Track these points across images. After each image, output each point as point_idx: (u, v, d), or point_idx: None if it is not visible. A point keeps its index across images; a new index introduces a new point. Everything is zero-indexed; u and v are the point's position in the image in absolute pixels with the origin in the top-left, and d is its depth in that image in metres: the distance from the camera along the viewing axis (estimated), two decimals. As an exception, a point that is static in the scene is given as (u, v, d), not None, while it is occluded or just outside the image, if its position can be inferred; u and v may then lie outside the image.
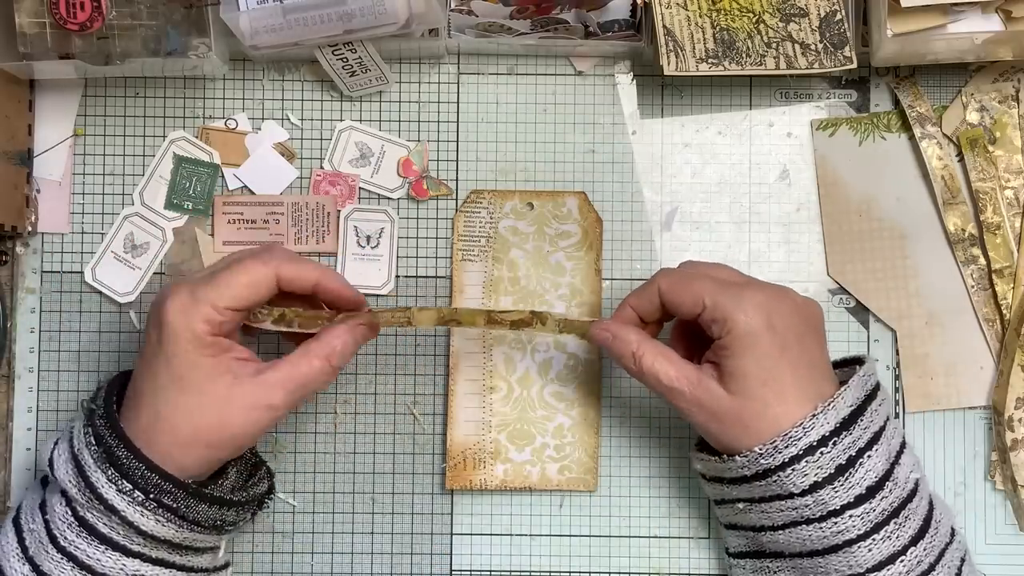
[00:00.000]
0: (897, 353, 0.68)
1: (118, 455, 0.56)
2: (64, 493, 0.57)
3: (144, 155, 0.69)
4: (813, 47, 0.64)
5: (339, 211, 0.68)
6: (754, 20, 0.64)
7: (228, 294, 0.56)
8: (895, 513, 0.57)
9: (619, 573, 0.68)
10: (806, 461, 0.56)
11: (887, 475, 0.57)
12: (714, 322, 0.58)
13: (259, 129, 0.69)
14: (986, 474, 0.68)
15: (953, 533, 0.60)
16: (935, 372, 0.68)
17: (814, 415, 0.56)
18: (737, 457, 0.58)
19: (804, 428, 0.56)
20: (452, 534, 0.68)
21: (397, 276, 0.69)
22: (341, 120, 0.69)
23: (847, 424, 0.57)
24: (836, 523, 0.56)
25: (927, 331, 0.68)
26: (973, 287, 0.68)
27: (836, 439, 0.56)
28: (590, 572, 0.68)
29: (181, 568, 0.59)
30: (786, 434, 0.56)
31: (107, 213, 0.69)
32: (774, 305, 0.58)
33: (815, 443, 0.56)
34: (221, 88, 0.69)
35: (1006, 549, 0.68)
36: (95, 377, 0.68)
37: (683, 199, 0.69)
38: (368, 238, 0.69)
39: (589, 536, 0.68)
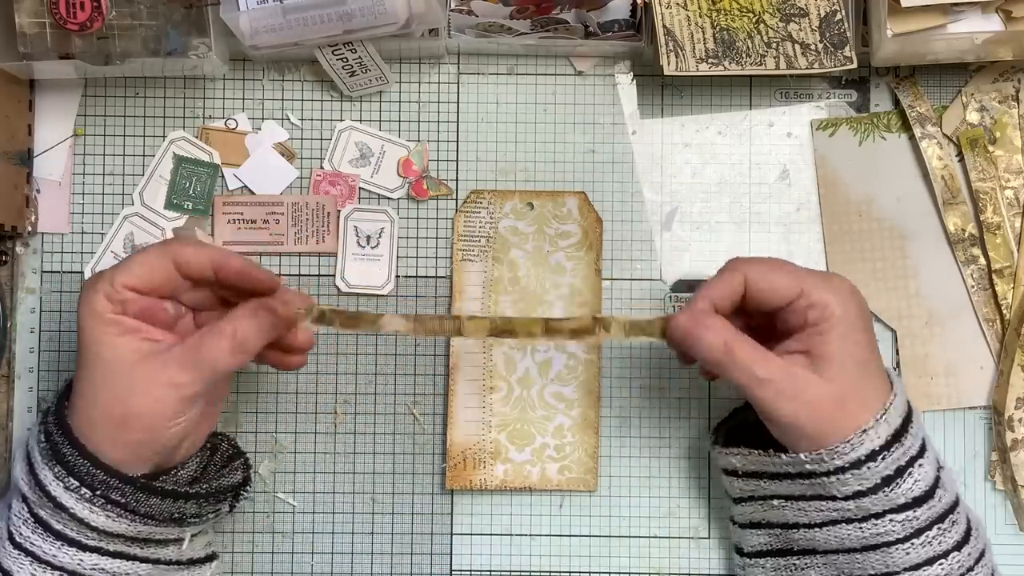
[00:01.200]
0: (897, 353, 0.68)
1: (64, 452, 0.56)
2: (20, 491, 0.57)
3: (144, 155, 0.69)
4: (813, 47, 0.64)
5: (339, 211, 0.68)
6: (754, 20, 0.64)
7: (124, 271, 0.56)
8: (940, 519, 0.57)
9: (619, 573, 0.68)
10: (851, 474, 0.56)
11: (936, 482, 0.57)
12: (811, 307, 0.57)
13: (259, 129, 0.69)
14: (986, 474, 0.68)
15: (987, 546, 0.60)
16: (935, 372, 0.68)
17: (864, 430, 0.56)
18: (783, 455, 0.58)
19: (852, 444, 0.55)
20: (452, 534, 0.68)
21: (397, 276, 0.69)
22: (341, 120, 0.69)
23: (899, 435, 0.56)
24: (877, 524, 0.56)
25: (927, 331, 0.68)
26: (973, 287, 0.68)
27: (886, 453, 0.56)
28: (590, 572, 0.68)
29: (144, 560, 0.58)
30: (832, 448, 0.55)
31: (107, 213, 0.69)
32: (858, 294, 0.58)
33: (863, 457, 0.56)
34: (221, 88, 0.69)
35: (1006, 549, 0.68)
36: (95, 377, 0.68)
37: (683, 199, 0.69)
38: (368, 238, 0.69)
39: (589, 536, 0.68)
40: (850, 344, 0.56)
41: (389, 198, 0.69)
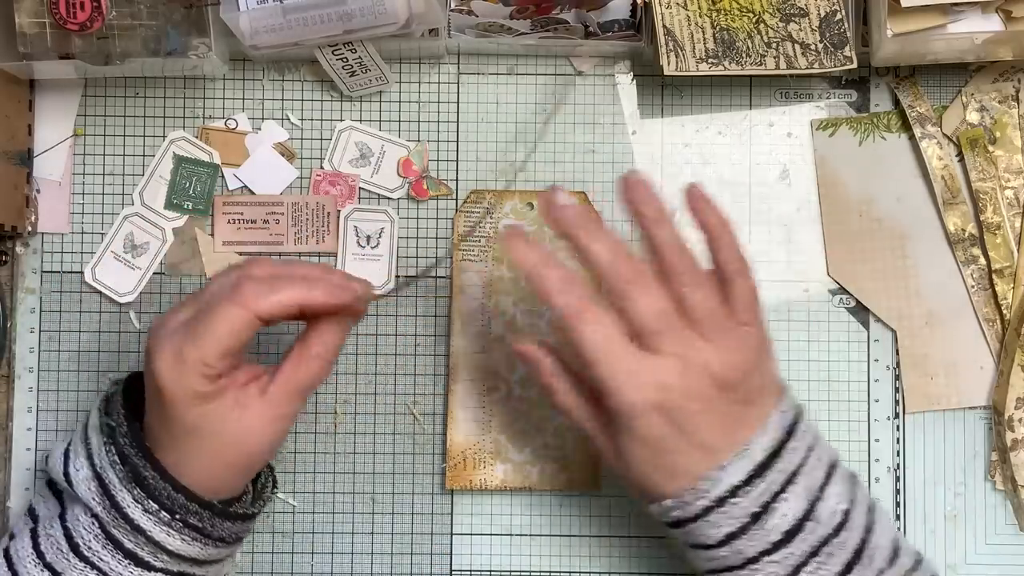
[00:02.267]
0: (897, 353, 0.68)
1: (144, 475, 0.56)
2: (90, 508, 0.57)
3: (144, 155, 0.69)
4: (813, 47, 0.64)
5: (339, 211, 0.68)
6: (754, 20, 0.64)
7: (213, 349, 0.54)
8: (815, 552, 0.54)
9: (619, 573, 0.68)
10: (718, 512, 0.54)
11: (807, 515, 0.54)
12: (601, 391, 0.55)
13: (259, 129, 0.69)
14: (986, 474, 0.68)
15: (896, 554, 0.56)
16: (935, 372, 0.68)
17: (722, 466, 0.54)
18: (651, 506, 0.56)
19: (712, 481, 0.54)
20: (452, 534, 0.68)
21: (397, 276, 0.69)
22: (341, 120, 0.69)
23: (761, 470, 0.54)
24: (755, 570, 0.54)
25: (927, 331, 0.68)
26: (973, 287, 0.68)
27: (749, 487, 0.54)
28: (590, 572, 0.68)
29: None
30: (693, 488, 0.54)
31: (107, 213, 0.69)
32: (675, 377, 0.54)
33: (726, 494, 0.54)
34: (221, 88, 0.69)
35: (1006, 549, 0.68)
36: (95, 377, 0.68)
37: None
38: (368, 238, 0.69)
39: (589, 536, 0.68)
40: (638, 443, 0.54)
41: (389, 198, 0.69)
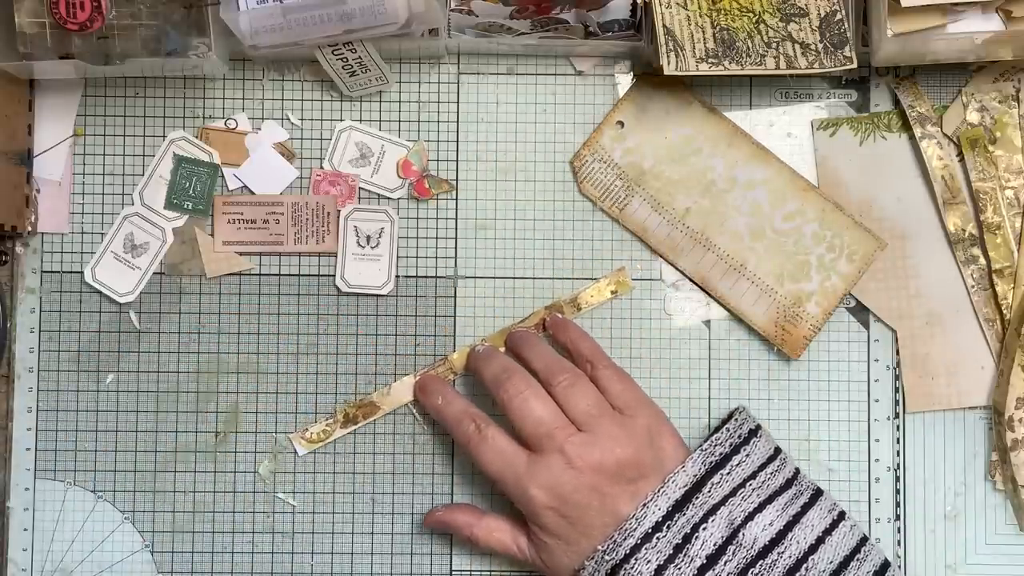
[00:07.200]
0: (897, 353, 0.68)
1: None
2: None
3: (144, 155, 0.69)
4: (813, 47, 0.64)
5: (339, 211, 0.69)
6: (754, 20, 0.64)
7: None
8: (742, 573, 0.58)
9: (619, 573, 0.68)
10: (646, 548, 0.58)
11: (730, 539, 0.59)
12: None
13: (259, 129, 0.69)
14: (986, 474, 0.68)
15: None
16: (935, 372, 0.68)
17: (644, 504, 0.59)
18: (586, 562, 0.60)
19: (637, 519, 0.59)
20: (452, 534, 0.68)
21: (397, 276, 0.69)
22: (341, 120, 0.69)
23: (680, 505, 0.59)
24: None
25: (927, 331, 0.68)
26: (973, 287, 0.68)
27: (670, 522, 0.59)
28: (590, 572, 0.68)
29: None
30: (622, 527, 0.59)
31: (107, 213, 0.69)
32: (560, 477, 0.60)
33: (650, 530, 0.58)
34: (221, 88, 0.69)
35: (1006, 549, 0.68)
36: (95, 377, 0.68)
37: (683, 199, 0.69)
38: (368, 238, 0.69)
39: (589, 536, 0.68)
40: (546, 534, 0.61)
41: (389, 198, 0.69)
